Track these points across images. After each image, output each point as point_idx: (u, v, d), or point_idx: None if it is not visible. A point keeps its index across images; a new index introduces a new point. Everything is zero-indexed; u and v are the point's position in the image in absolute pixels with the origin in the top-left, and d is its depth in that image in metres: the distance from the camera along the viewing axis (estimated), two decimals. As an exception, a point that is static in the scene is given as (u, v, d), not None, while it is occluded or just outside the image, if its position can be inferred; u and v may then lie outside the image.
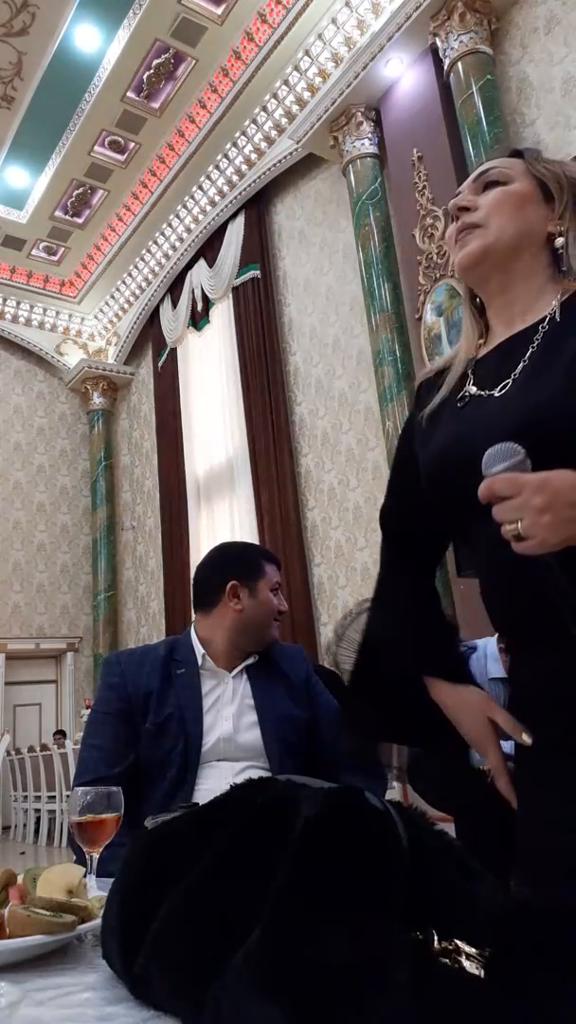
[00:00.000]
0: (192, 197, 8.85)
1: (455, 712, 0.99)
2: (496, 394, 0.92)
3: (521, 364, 0.91)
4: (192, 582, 1.70)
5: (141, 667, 1.55)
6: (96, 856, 1.06)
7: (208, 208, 8.79)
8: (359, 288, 6.72)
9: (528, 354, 0.91)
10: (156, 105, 7.94)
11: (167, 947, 0.56)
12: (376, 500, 6.79)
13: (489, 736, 0.96)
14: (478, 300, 1.04)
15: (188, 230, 9.15)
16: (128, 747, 1.48)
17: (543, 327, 0.92)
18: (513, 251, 0.97)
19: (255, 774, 1.04)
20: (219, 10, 6.96)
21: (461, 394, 0.98)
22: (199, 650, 1.59)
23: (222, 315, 8.90)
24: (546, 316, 0.93)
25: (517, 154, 1.04)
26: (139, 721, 1.49)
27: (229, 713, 1.53)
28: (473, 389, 0.96)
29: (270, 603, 1.61)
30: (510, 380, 0.91)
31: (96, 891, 0.92)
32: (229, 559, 1.67)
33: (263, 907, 0.51)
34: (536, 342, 0.91)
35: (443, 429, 0.99)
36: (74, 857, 1.33)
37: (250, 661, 1.61)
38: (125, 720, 1.50)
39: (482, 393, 0.95)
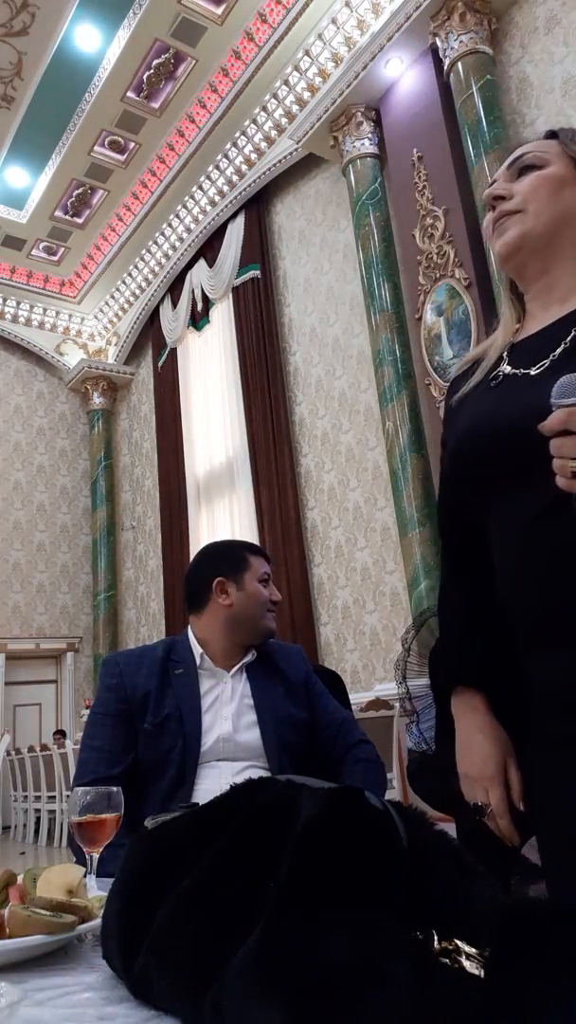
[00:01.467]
0: (192, 197, 8.85)
1: (470, 737, 0.96)
2: (532, 372, 0.90)
3: (562, 346, 0.89)
4: (184, 588, 1.71)
5: (139, 668, 1.55)
6: (96, 856, 1.06)
7: (208, 208, 8.79)
8: (359, 288, 6.72)
9: (570, 337, 0.89)
10: (156, 105, 7.94)
11: (167, 947, 0.56)
12: (376, 500, 6.80)
13: (496, 779, 0.93)
14: (519, 290, 1.02)
15: (188, 230, 9.16)
16: (127, 748, 1.48)
17: None
18: (552, 235, 0.95)
19: (255, 774, 1.04)
20: (219, 10, 6.96)
21: (494, 373, 0.96)
22: (197, 650, 1.59)
23: (222, 315, 8.90)
24: None
25: (552, 135, 1.01)
26: (138, 722, 1.49)
27: (228, 713, 1.53)
28: (507, 368, 0.95)
29: (259, 594, 1.61)
30: (547, 361, 0.89)
31: (96, 891, 0.92)
32: (212, 558, 1.68)
33: (263, 907, 0.51)
34: None
35: (474, 407, 0.97)
36: (74, 857, 1.33)
37: (249, 659, 1.61)
38: (124, 721, 1.50)
39: (517, 372, 0.93)
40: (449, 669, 1.02)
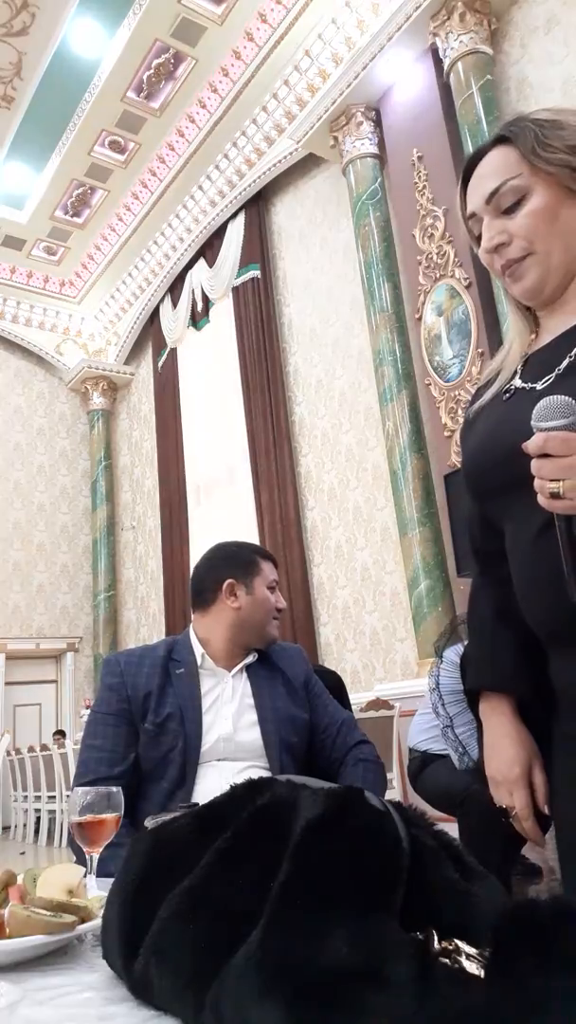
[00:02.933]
0: (192, 197, 8.85)
1: (497, 741, 0.97)
2: (539, 387, 0.91)
3: (567, 359, 0.90)
4: (189, 583, 1.70)
5: (140, 668, 1.55)
6: (96, 856, 1.06)
7: (208, 208, 8.79)
8: (359, 288, 6.72)
9: (574, 351, 0.90)
10: (156, 105, 7.94)
11: (167, 947, 0.56)
12: (376, 500, 6.80)
13: (521, 782, 0.95)
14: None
15: (188, 230, 9.16)
16: (128, 747, 1.48)
17: None
18: (567, 263, 0.94)
19: (255, 774, 1.04)
20: (219, 10, 6.96)
21: (507, 387, 0.97)
22: (198, 650, 1.59)
23: (222, 315, 8.90)
24: None
25: (503, 141, 0.97)
26: (139, 721, 1.49)
27: (228, 712, 1.53)
28: (518, 382, 0.96)
29: (267, 601, 1.61)
30: (553, 376, 0.90)
31: (96, 891, 0.92)
32: (225, 558, 1.68)
33: (263, 907, 0.51)
34: None
35: (486, 421, 0.98)
36: (74, 857, 1.33)
37: (249, 660, 1.61)
38: (125, 721, 1.50)
39: (525, 386, 0.94)
40: (475, 674, 1.03)
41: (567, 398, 0.74)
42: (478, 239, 0.99)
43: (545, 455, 0.73)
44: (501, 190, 0.93)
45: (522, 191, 0.93)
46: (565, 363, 0.90)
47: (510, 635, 0.98)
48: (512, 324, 1.03)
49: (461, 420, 1.11)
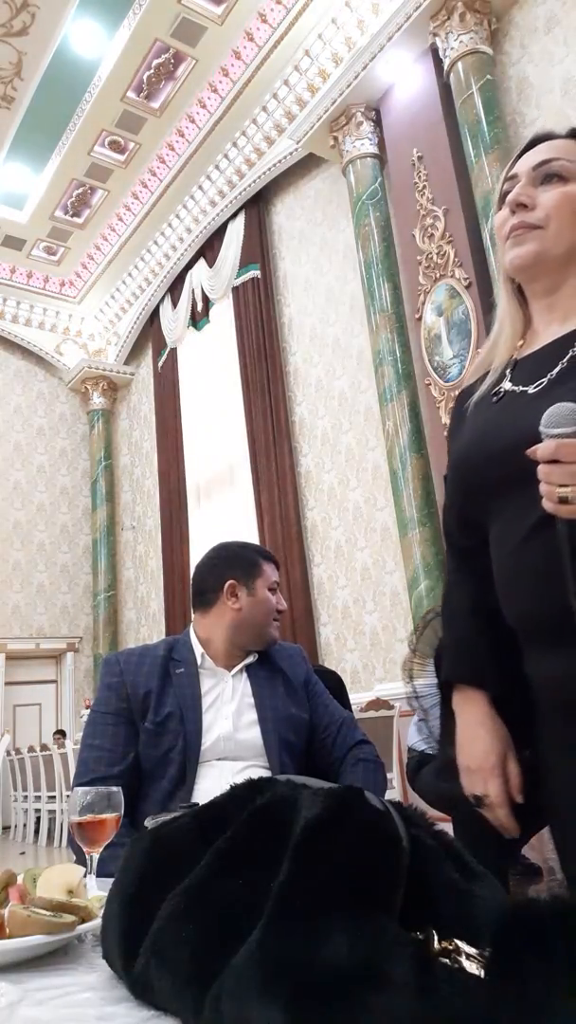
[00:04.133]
0: (192, 197, 8.85)
1: (473, 730, 0.98)
2: (530, 391, 0.93)
3: (559, 366, 0.92)
4: (191, 582, 1.70)
5: (140, 667, 1.55)
6: (96, 856, 1.06)
7: (208, 208, 8.79)
8: (359, 288, 6.72)
9: (568, 357, 0.92)
10: (156, 105, 7.94)
11: (167, 947, 0.56)
12: (376, 500, 6.80)
13: (495, 771, 0.95)
14: (517, 283, 1.04)
15: (188, 230, 9.16)
16: (128, 747, 1.48)
17: None
18: (567, 259, 0.96)
19: (255, 774, 1.05)
20: (219, 10, 6.96)
21: (496, 389, 0.99)
22: (198, 649, 1.59)
23: (222, 315, 8.90)
24: None
25: (573, 135, 1.01)
26: (138, 721, 1.49)
27: (229, 712, 1.53)
28: (508, 385, 0.97)
29: (268, 602, 1.61)
30: (545, 379, 0.92)
31: (96, 891, 0.92)
32: (227, 558, 1.68)
33: (263, 907, 0.51)
34: None
35: (476, 421, 1.00)
36: (74, 857, 1.33)
37: (249, 660, 1.61)
38: (125, 720, 1.50)
39: (516, 389, 0.96)
40: (449, 665, 1.04)
41: (573, 405, 0.76)
42: (502, 199, 1.01)
43: (555, 461, 0.75)
44: (552, 163, 0.97)
45: (568, 174, 0.96)
46: (557, 369, 0.91)
47: (486, 628, 0.99)
48: (503, 311, 1.04)
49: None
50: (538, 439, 0.77)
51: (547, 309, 0.99)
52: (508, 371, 0.99)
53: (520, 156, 1.03)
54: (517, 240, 0.97)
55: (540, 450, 0.76)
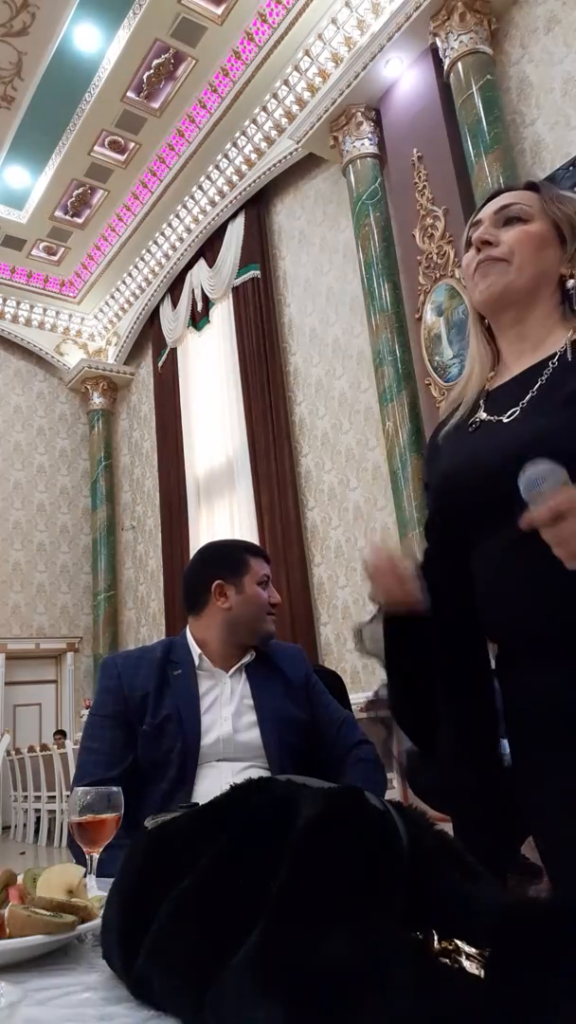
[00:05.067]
0: (192, 197, 8.84)
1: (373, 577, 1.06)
2: (504, 420, 0.98)
3: (529, 395, 0.97)
4: (182, 588, 1.71)
5: (137, 669, 1.55)
6: (96, 856, 1.06)
7: (208, 208, 8.79)
8: (359, 288, 6.72)
9: (537, 386, 0.97)
10: (156, 105, 7.94)
11: (167, 947, 0.56)
12: (376, 500, 6.80)
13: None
14: (487, 323, 1.10)
15: (188, 230, 9.15)
16: (126, 749, 1.48)
17: (553, 363, 0.98)
18: (531, 290, 1.02)
19: (255, 774, 1.04)
20: (219, 10, 6.96)
21: (472, 419, 1.04)
22: (195, 651, 1.59)
23: (222, 315, 8.90)
24: (557, 352, 0.99)
25: (533, 187, 1.08)
26: (136, 723, 1.49)
27: (228, 713, 1.53)
28: (484, 415, 1.02)
29: (259, 597, 1.61)
30: (518, 408, 0.97)
31: (96, 891, 0.92)
32: (212, 559, 1.68)
33: (263, 907, 0.51)
34: (545, 375, 0.97)
35: (453, 450, 1.06)
36: (73, 860, 1.33)
37: (247, 660, 1.61)
38: (122, 723, 1.50)
39: (491, 419, 1.01)
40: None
41: (548, 462, 0.79)
42: (468, 244, 1.09)
43: (559, 518, 0.76)
44: (511, 207, 1.05)
45: (527, 215, 1.04)
46: (527, 398, 0.97)
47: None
48: (474, 351, 1.10)
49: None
50: (512, 462, 0.80)
51: (517, 339, 1.05)
52: (482, 402, 1.05)
53: (483, 206, 1.10)
54: (483, 273, 1.04)
55: (542, 513, 0.77)
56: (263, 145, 7.94)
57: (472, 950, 0.47)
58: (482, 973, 0.45)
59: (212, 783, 1.43)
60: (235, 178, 8.32)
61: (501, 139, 5.41)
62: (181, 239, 9.28)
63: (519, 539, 0.85)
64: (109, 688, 1.54)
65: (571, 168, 5.22)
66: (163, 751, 1.46)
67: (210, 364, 9.07)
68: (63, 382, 11.22)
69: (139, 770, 1.47)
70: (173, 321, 9.73)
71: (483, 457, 0.97)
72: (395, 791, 4.91)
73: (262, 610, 1.60)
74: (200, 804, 0.70)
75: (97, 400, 11.10)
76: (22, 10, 6.84)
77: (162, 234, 9.42)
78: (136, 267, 10.01)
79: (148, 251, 9.71)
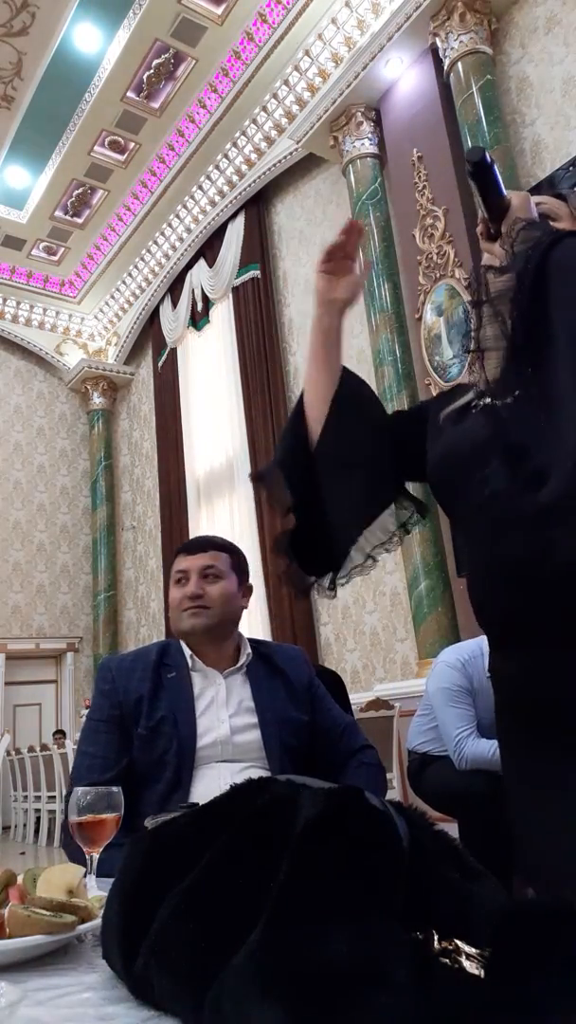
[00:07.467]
0: (192, 197, 8.84)
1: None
2: (499, 404, 0.99)
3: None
4: None
5: (132, 672, 1.56)
6: (96, 856, 1.06)
7: (208, 208, 8.79)
8: (359, 288, 6.71)
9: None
10: (156, 105, 7.94)
11: (167, 947, 0.56)
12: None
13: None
14: None
15: (188, 230, 9.15)
16: (121, 753, 1.48)
17: None
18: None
19: (255, 775, 1.04)
20: (219, 10, 6.96)
21: (476, 402, 1.06)
22: (187, 651, 1.59)
23: (222, 315, 8.89)
24: None
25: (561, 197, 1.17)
26: (131, 726, 1.49)
27: (225, 715, 1.53)
28: (488, 399, 1.03)
29: (172, 598, 1.63)
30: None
31: (96, 891, 0.92)
32: None
33: (263, 907, 0.51)
34: None
35: (453, 429, 1.09)
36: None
37: (244, 661, 1.61)
38: (118, 726, 1.50)
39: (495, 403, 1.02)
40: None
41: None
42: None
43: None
44: (543, 205, 1.13)
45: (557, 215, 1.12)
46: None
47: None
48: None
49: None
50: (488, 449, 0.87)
51: None
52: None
53: None
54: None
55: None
56: (263, 145, 7.94)
57: (472, 950, 0.47)
58: (482, 973, 0.45)
59: (209, 784, 1.43)
60: (235, 178, 8.32)
61: (501, 139, 5.41)
62: (181, 239, 9.28)
63: (514, 519, 0.88)
64: (104, 692, 1.54)
65: (571, 168, 5.22)
66: (159, 753, 1.46)
67: (210, 364, 9.07)
68: (63, 382, 11.22)
69: (135, 772, 1.47)
70: (173, 321, 9.73)
71: (475, 438, 1.00)
72: (395, 791, 4.91)
73: (177, 610, 1.61)
74: (199, 804, 0.70)
75: (97, 400, 11.10)
76: (22, 10, 6.84)
77: (162, 234, 9.42)
78: (136, 267, 10.01)
79: (148, 251, 9.71)
